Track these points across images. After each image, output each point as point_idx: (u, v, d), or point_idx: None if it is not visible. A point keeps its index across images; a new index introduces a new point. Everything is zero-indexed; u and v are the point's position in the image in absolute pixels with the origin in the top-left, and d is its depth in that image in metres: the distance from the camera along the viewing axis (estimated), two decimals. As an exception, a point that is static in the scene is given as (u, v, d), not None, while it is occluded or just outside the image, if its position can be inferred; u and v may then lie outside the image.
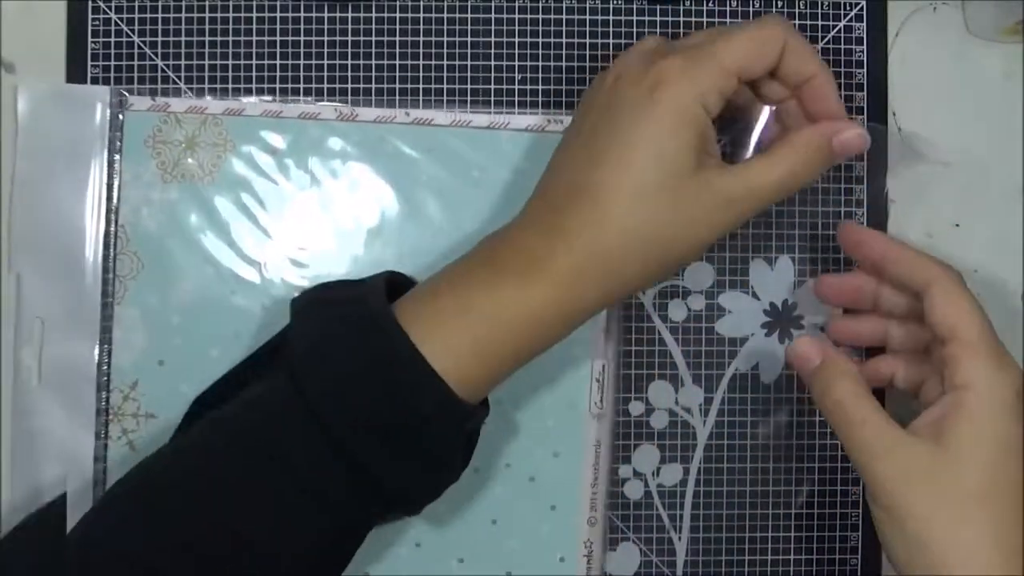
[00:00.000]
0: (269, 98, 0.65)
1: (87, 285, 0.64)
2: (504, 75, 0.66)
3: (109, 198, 0.64)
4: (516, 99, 0.66)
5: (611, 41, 0.66)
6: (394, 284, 0.57)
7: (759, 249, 0.67)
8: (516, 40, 0.66)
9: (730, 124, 0.62)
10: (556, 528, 0.66)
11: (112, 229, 0.64)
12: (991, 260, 0.68)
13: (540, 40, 0.66)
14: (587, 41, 0.66)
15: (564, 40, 0.66)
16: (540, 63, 0.66)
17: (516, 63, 0.66)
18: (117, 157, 0.65)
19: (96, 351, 0.64)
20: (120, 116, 0.65)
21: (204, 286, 0.65)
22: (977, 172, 0.67)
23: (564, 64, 0.66)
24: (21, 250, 0.64)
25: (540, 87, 0.66)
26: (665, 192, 0.54)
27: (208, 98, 0.65)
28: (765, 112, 0.60)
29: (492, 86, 0.66)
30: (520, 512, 0.66)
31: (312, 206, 0.65)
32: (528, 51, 0.66)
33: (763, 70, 0.57)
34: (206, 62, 0.66)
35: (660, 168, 0.54)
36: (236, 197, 0.65)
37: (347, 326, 0.54)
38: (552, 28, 0.66)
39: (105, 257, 0.64)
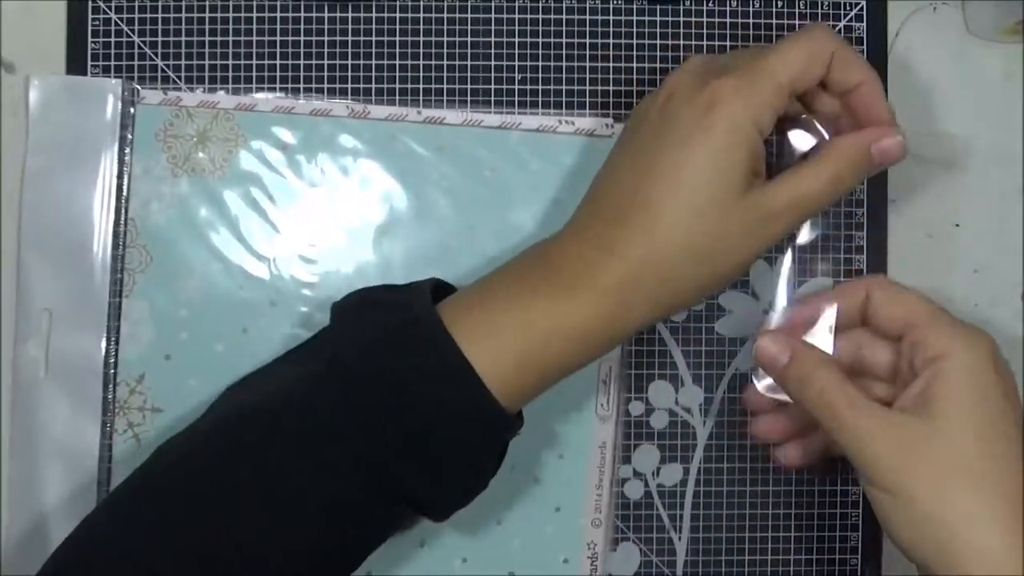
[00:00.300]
0: (281, 94, 0.65)
1: (95, 278, 0.64)
2: (515, 75, 0.66)
3: (119, 191, 0.64)
4: (528, 99, 0.66)
5: (611, 41, 0.67)
6: (438, 291, 0.57)
7: (760, 249, 0.67)
8: (523, 40, 0.66)
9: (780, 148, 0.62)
10: (560, 529, 0.66)
11: (121, 222, 0.64)
12: (991, 260, 0.68)
13: (540, 40, 0.66)
14: (587, 41, 0.67)
15: (564, 40, 0.67)
16: (540, 63, 0.66)
17: (517, 63, 0.66)
18: (128, 150, 0.64)
19: (103, 344, 0.64)
20: (131, 109, 0.64)
21: (212, 281, 0.64)
22: (977, 172, 0.68)
23: (564, 64, 0.66)
24: (30, 242, 0.64)
25: (553, 87, 0.66)
26: (716, 208, 0.54)
27: (220, 93, 0.65)
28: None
29: (503, 86, 0.66)
30: (524, 513, 0.66)
31: (322, 203, 0.65)
32: (528, 51, 0.66)
33: (814, 83, 0.57)
34: (207, 62, 0.65)
35: (713, 186, 0.54)
36: (246, 192, 0.65)
37: (392, 331, 0.54)
38: (552, 28, 0.66)
39: (114, 250, 0.64)
